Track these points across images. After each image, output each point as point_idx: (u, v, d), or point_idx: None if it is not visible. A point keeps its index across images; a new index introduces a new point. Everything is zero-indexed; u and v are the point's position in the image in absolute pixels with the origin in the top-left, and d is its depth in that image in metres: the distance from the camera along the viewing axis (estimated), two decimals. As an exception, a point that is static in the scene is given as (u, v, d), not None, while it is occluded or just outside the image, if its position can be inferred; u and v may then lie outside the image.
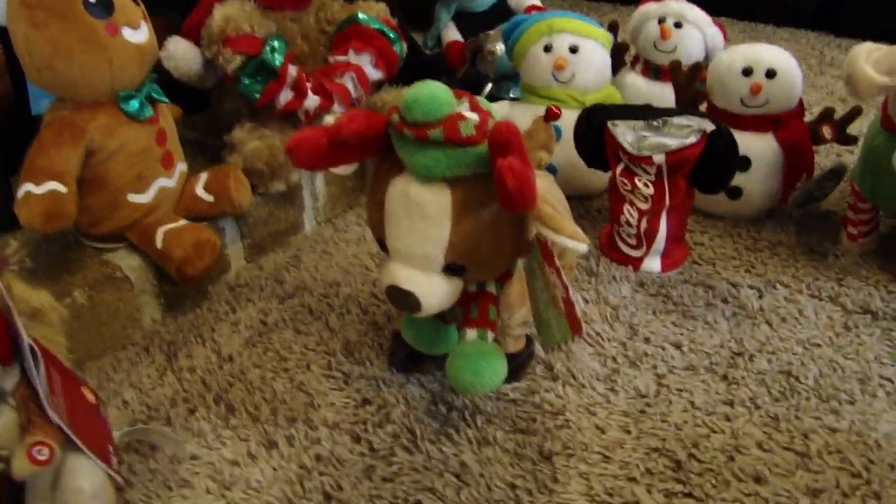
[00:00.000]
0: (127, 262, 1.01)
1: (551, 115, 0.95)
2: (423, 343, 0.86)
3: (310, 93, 1.11)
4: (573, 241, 0.69)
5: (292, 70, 1.10)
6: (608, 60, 1.23)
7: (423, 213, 0.71)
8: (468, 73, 1.43)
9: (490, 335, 0.80)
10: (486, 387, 0.77)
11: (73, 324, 0.94)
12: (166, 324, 1.03)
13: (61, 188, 0.91)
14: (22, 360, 0.67)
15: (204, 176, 1.08)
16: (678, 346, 0.98)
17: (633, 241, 1.11)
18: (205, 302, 1.07)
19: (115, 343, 1.00)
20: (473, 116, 0.70)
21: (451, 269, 0.74)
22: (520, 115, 1.22)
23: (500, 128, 0.66)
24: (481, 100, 0.74)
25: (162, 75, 1.06)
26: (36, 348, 0.66)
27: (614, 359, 0.96)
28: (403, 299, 0.75)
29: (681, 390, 0.91)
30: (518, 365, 0.91)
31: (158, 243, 1.00)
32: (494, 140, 0.66)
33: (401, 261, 0.75)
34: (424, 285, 0.74)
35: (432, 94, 0.68)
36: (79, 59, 0.91)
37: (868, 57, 1.01)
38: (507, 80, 1.39)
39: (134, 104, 0.97)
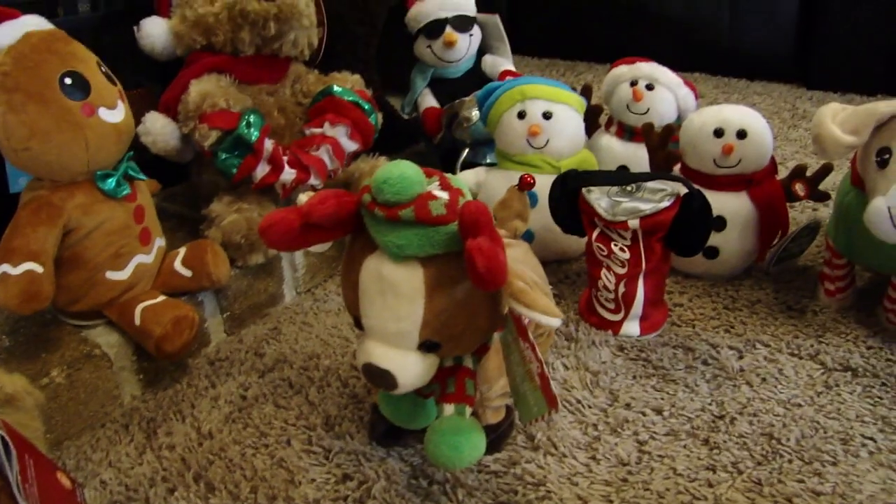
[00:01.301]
0: (106, 338, 1.01)
1: (525, 184, 0.96)
2: (402, 418, 0.86)
3: (286, 166, 1.12)
4: (546, 317, 0.69)
5: (268, 144, 1.11)
6: (581, 125, 1.24)
7: (396, 292, 0.71)
8: (444, 139, 1.44)
9: (468, 410, 0.79)
10: (466, 462, 0.77)
11: (51, 403, 0.93)
12: (146, 400, 1.03)
13: (38, 268, 0.91)
14: (-6, 451, 0.66)
15: (182, 251, 1.08)
16: (659, 412, 0.98)
17: (611, 306, 1.11)
18: (185, 377, 1.06)
19: (94, 421, 0.99)
20: (443, 195, 0.71)
21: (426, 346, 0.74)
22: (495, 181, 1.24)
23: (468, 208, 0.66)
24: (452, 177, 0.75)
25: (139, 149, 1.07)
26: (7, 439, 0.66)
27: (595, 426, 0.96)
28: (380, 377, 0.75)
29: (662, 457, 0.91)
30: (498, 436, 0.91)
31: (137, 320, 1.00)
32: (464, 221, 0.67)
33: (376, 338, 0.75)
34: (400, 363, 0.74)
35: (402, 174, 0.69)
36: (55, 140, 0.91)
37: (834, 117, 1.03)
38: (484, 146, 1.40)
39: (111, 183, 0.97)
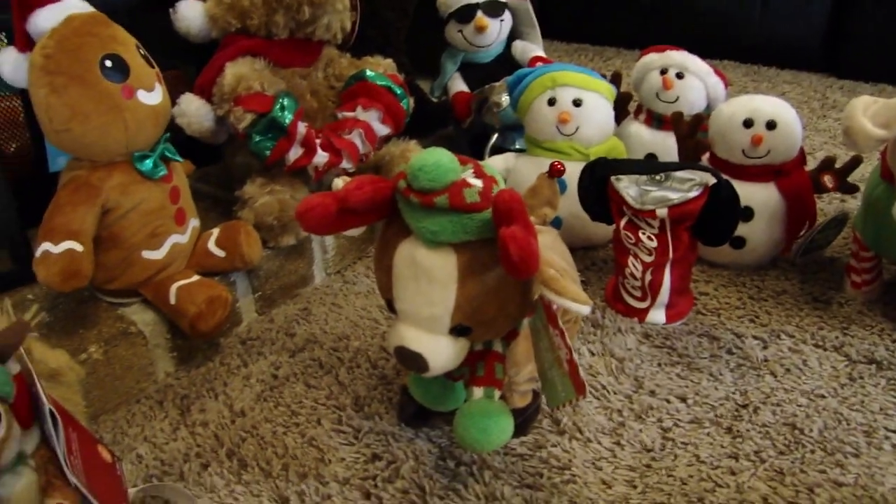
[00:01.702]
0: (141, 316, 1.03)
1: (555, 171, 0.97)
2: (431, 400, 0.88)
3: (319, 150, 1.13)
4: (576, 304, 0.71)
5: (301, 127, 1.12)
6: (611, 113, 1.25)
7: (430, 277, 0.73)
8: (474, 124, 1.45)
9: (496, 393, 0.81)
10: (493, 445, 0.79)
11: (89, 378, 0.96)
12: (179, 377, 1.05)
13: (78, 247, 0.93)
14: (42, 423, 0.69)
15: (216, 231, 1.10)
16: (683, 399, 0.99)
17: (637, 294, 1.12)
18: (217, 355, 1.09)
19: (130, 396, 1.01)
20: (478, 183, 0.72)
21: (457, 331, 0.75)
22: (524, 167, 1.24)
23: (502, 196, 0.68)
24: (486, 165, 0.76)
25: (174, 130, 1.09)
26: (56, 413, 0.68)
27: (620, 412, 0.97)
28: (411, 360, 0.76)
29: (686, 444, 0.92)
30: (525, 419, 0.92)
31: (172, 299, 1.02)
32: (497, 209, 0.68)
33: (408, 322, 0.76)
34: (431, 346, 0.75)
35: (437, 162, 0.70)
36: (95, 121, 0.94)
37: (865, 110, 1.03)
38: (513, 131, 1.41)
39: (148, 164, 0.99)
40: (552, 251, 0.89)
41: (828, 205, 1.43)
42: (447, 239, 0.72)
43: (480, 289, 0.73)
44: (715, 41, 2.03)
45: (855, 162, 1.21)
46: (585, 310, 0.71)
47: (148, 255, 1.02)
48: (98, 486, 0.72)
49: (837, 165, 1.23)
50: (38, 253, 0.92)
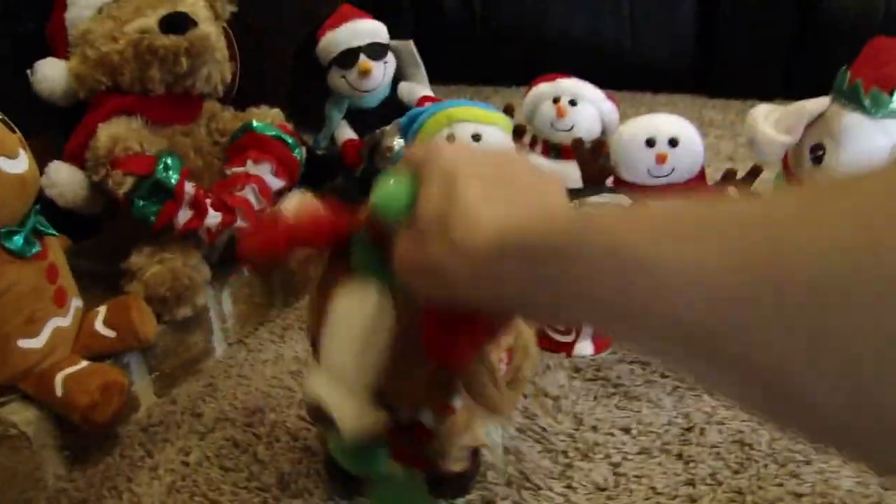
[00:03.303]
0: (22, 415, 0.90)
1: None
2: (354, 464, 0.80)
3: (210, 210, 1.05)
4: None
5: (189, 187, 1.03)
6: (511, 145, 1.22)
7: (364, 328, 0.65)
8: (366, 171, 1.39)
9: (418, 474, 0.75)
10: None
11: (-32, 494, 0.83)
12: (74, 479, 0.93)
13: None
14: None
15: (102, 310, 0.99)
16: (627, 431, 0.95)
17: (561, 328, 1.08)
18: (116, 448, 0.97)
19: (18, 509, 0.89)
20: None
21: (378, 397, 0.67)
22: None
23: None
24: None
25: (43, 203, 0.98)
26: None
27: (565, 453, 0.92)
28: (321, 416, 0.67)
29: (639, 476, 0.88)
30: (466, 481, 0.85)
31: (58, 391, 0.90)
32: None
33: (329, 375, 0.68)
34: (346, 408, 0.66)
35: (401, 192, 0.59)
36: (-48, 197, 0.83)
37: (766, 118, 1.04)
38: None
39: (18, 240, 0.88)
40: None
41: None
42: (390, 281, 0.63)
43: (416, 356, 0.64)
44: (588, 71, 2.05)
45: (755, 171, 1.21)
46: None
47: (25, 343, 0.90)
48: None
49: (738, 177, 1.23)
50: None
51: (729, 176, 1.22)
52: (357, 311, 0.65)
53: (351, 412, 0.66)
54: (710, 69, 2.19)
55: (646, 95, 2.23)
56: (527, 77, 1.80)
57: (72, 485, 0.92)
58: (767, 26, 2.08)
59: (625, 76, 2.22)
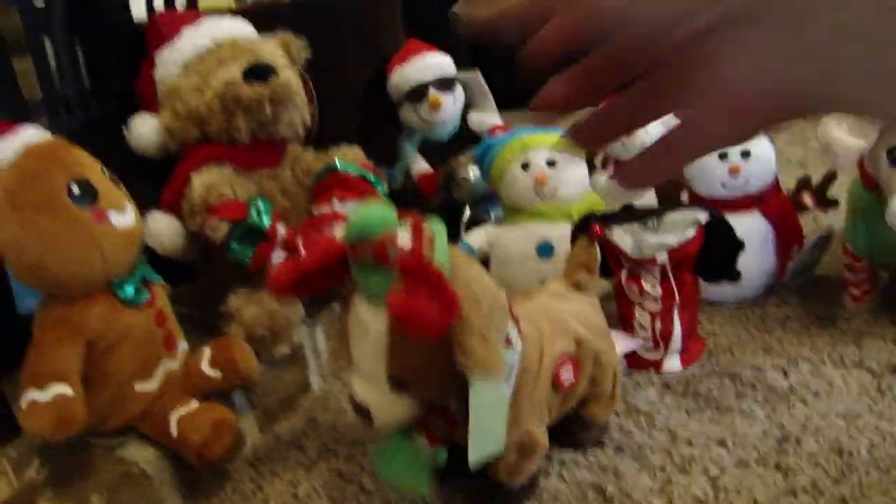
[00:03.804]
0: (141, 454, 0.96)
1: (594, 235, 0.96)
2: (406, 479, 0.87)
3: (302, 249, 1.09)
4: (479, 373, 0.69)
5: (281, 229, 1.08)
6: (585, 168, 1.24)
7: (366, 331, 0.73)
8: (444, 202, 1.42)
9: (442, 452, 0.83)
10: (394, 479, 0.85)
11: (94, 532, 0.88)
12: (191, 514, 0.97)
13: (68, 391, 0.86)
14: None
15: (206, 351, 1.04)
16: (722, 444, 0.95)
17: (649, 344, 1.09)
18: (227, 483, 1.01)
19: (140, 545, 0.93)
20: (406, 241, 0.71)
21: (395, 385, 0.75)
22: (508, 236, 1.22)
23: (400, 259, 0.68)
24: (433, 226, 0.74)
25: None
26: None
27: (662, 468, 0.93)
28: (359, 411, 0.77)
29: (739, 490, 0.88)
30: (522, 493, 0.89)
31: (173, 431, 0.95)
32: (399, 271, 0.68)
33: (358, 375, 0.77)
34: (375, 399, 0.76)
35: (363, 215, 0.71)
36: (70, 251, 0.88)
37: (839, 123, 1.04)
38: (485, 203, 1.39)
39: (129, 290, 0.94)
40: (576, 318, 0.87)
41: (809, 223, 1.43)
42: (376, 293, 0.71)
43: (408, 344, 0.72)
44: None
45: (830, 177, 1.22)
46: (487, 377, 0.70)
47: (141, 387, 0.96)
48: None
49: (813, 183, 1.23)
50: (25, 403, 0.85)
51: (803, 183, 1.23)
52: (361, 318, 0.74)
53: (381, 403, 0.76)
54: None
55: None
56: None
57: (189, 519, 0.96)
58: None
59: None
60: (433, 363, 0.73)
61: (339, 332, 1.23)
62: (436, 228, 0.74)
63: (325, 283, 0.77)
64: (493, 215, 1.38)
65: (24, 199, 0.86)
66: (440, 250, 0.72)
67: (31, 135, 0.92)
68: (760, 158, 1.16)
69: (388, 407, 0.76)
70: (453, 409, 0.80)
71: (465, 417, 0.73)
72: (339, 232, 1.13)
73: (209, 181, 1.07)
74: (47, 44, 1.28)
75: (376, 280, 0.71)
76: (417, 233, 0.72)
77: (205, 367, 1.02)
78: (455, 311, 0.68)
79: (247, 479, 1.01)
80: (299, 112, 1.16)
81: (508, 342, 0.77)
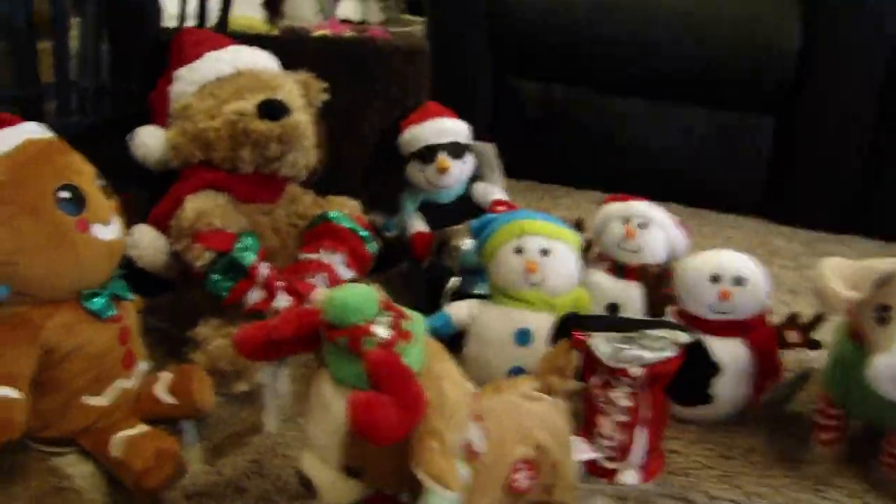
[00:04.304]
0: (78, 469, 0.94)
1: (574, 343, 0.98)
2: None
3: (280, 293, 1.08)
4: (434, 484, 0.68)
5: (263, 269, 1.07)
6: (577, 263, 1.23)
7: (326, 411, 0.73)
8: (433, 265, 1.42)
9: None
10: None
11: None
12: (115, 539, 0.95)
13: (13, 394, 0.85)
14: None
15: (165, 376, 1.02)
16: (664, 571, 0.93)
17: (609, 454, 1.07)
18: (159, 513, 0.99)
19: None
20: (383, 334, 0.71)
21: (348, 471, 0.74)
22: (489, 316, 1.20)
23: (370, 357, 0.68)
24: (412, 321, 0.74)
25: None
26: None
27: (598, 586, 0.91)
28: (307, 485, 0.76)
29: None
30: None
31: (115, 451, 0.93)
32: (368, 370, 0.68)
33: (311, 448, 0.76)
34: (323, 477, 0.75)
35: (344, 300, 0.71)
36: (45, 256, 0.88)
37: (835, 272, 1.04)
38: (472, 275, 1.38)
39: (98, 303, 0.93)
40: (540, 423, 0.86)
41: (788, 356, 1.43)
42: (343, 379, 0.71)
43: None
44: (659, 181, 2.06)
45: (819, 319, 1.21)
46: (440, 491, 0.69)
47: (90, 401, 0.94)
48: None
49: (801, 322, 1.23)
50: (-32, 398, 0.84)
51: (792, 320, 1.22)
52: (324, 398, 0.73)
53: (328, 484, 0.75)
54: (781, 196, 2.19)
55: (712, 214, 2.22)
56: (600, 180, 1.81)
57: (112, 544, 0.94)
58: (842, 160, 2.08)
59: (694, 191, 2.23)
60: (391, 458, 0.72)
61: (305, 378, 1.22)
62: (415, 323, 0.74)
63: (293, 350, 0.77)
64: (479, 289, 1.36)
65: (10, 195, 0.86)
66: (415, 348, 0.72)
67: (32, 130, 0.91)
68: (753, 288, 1.16)
69: (337, 489, 0.75)
70: (404, 501, 0.78)
71: None
72: (320, 283, 1.12)
73: (201, 207, 1.07)
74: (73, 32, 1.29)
75: (346, 365, 0.70)
76: (395, 328, 0.72)
77: (159, 391, 1.01)
78: (418, 417, 0.67)
79: (179, 514, 0.99)
80: (305, 155, 1.16)
81: (472, 449, 0.76)
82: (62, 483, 0.91)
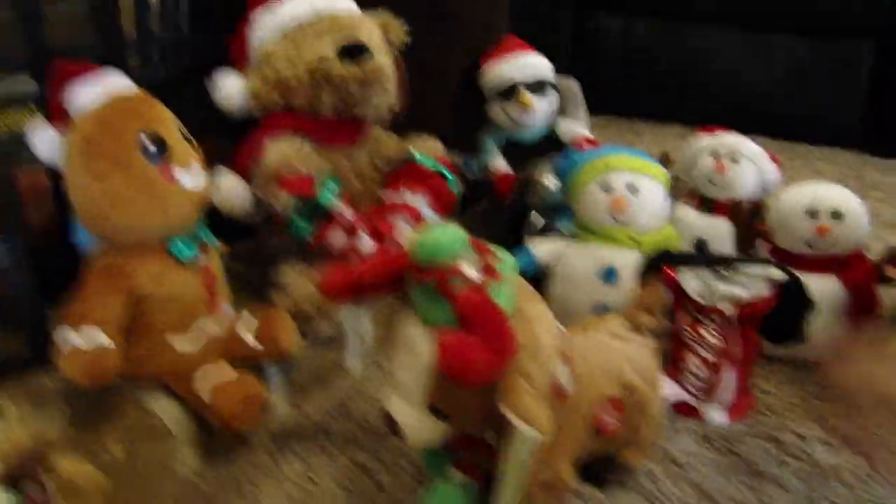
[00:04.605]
0: (167, 409, 0.96)
1: (665, 281, 0.96)
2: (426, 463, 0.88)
3: (364, 236, 1.08)
4: (521, 423, 0.68)
5: (347, 213, 1.07)
6: (666, 198, 1.19)
7: (413, 353, 0.72)
8: (515, 203, 1.39)
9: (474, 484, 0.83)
10: None
11: (110, 479, 0.88)
12: (205, 477, 0.97)
13: (107, 342, 0.87)
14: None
15: (249, 320, 1.04)
16: (753, 512, 0.92)
17: (697, 392, 1.05)
18: (245, 453, 1.01)
19: (152, 499, 0.94)
20: (472, 275, 0.69)
21: (435, 412, 0.74)
22: (575, 255, 1.18)
23: (462, 299, 0.67)
24: (502, 261, 0.73)
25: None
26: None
27: (686, 527, 0.90)
28: (392, 425, 0.76)
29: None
30: None
31: (205, 396, 0.95)
32: (457, 311, 0.67)
33: (397, 389, 0.76)
34: (409, 420, 0.75)
35: (435, 241, 0.69)
36: (134, 206, 0.89)
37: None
38: (556, 213, 1.35)
39: (185, 249, 0.94)
40: (628, 362, 0.85)
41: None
42: (432, 320, 0.70)
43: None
44: (748, 113, 1.98)
45: (919, 252, 1.15)
46: (529, 433, 0.68)
47: (179, 345, 0.96)
48: None
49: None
50: (63, 344, 0.87)
51: (892, 255, 1.17)
52: (411, 339, 0.72)
53: (413, 424, 0.75)
54: (881, 126, 2.08)
55: (802, 146, 2.12)
56: (683, 114, 1.75)
57: (203, 480, 0.96)
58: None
59: (783, 124, 2.14)
60: (477, 399, 0.71)
61: (387, 320, 1.22)
62: (505, 263, 0.72)
63: (379, 293, 0.76)
64: (560, 226, 1.34)
65: (100, 150, 0.87)
66: (506, 288, 0.70)
67: (115, 83, 0.92)
68: (852, 222, 1.11)
69: (423, 430, 0.75)
70: (489, 441, 0.78)
71: (500, 451, 0.73)
72: (402, 227, 1.11)
73: (284, 152, 1.07)
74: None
75: (434, 307, 0.69)
76: (486, 269, 0.71)
77: (245, 334, 1.02)
78: (509, 359, 0.66)
79: (265, 454, 1.01)
80: (387, 97, 1.14)
81: (560, 389, 0.75)
82: (154, 422, 0.94)
